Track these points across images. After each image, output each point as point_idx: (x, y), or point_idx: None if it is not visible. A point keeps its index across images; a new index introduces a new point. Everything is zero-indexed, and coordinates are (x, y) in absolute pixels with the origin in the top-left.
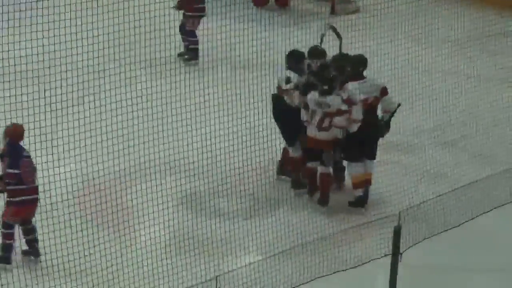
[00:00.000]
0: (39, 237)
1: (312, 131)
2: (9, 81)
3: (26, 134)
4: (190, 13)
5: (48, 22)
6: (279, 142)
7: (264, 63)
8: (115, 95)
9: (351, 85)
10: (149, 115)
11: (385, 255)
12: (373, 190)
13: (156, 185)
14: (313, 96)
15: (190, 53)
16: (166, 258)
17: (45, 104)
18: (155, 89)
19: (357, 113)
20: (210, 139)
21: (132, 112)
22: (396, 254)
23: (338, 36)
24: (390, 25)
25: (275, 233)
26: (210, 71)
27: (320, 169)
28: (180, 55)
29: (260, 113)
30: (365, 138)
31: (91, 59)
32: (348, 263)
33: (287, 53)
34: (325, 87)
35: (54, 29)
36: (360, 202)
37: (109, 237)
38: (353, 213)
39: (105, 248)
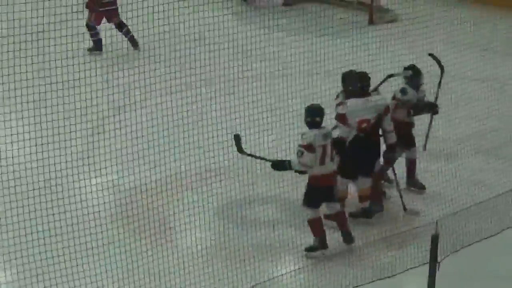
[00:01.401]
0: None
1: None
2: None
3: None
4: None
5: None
6: None
7: (319, 73)
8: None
9: (350, 102)
10: (185, 125)
11: (423, 264)
12: (410, 198)
13: (191, 194)
14: None
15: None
16: (208, 266)
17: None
18: (190, 99)
19: (343, 133)
20: (253, 147)
21: (168, 121)
22: (433, 262)
23: (440, 65)
24: (428, 33)
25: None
26: (258, 83)
27: (334, 207)
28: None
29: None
30: (360, 157)
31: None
32: (386, 272)
33: (406, 66)
34: None
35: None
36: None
37: (148, 247)
38: (388, 222)
39: (142, 258)
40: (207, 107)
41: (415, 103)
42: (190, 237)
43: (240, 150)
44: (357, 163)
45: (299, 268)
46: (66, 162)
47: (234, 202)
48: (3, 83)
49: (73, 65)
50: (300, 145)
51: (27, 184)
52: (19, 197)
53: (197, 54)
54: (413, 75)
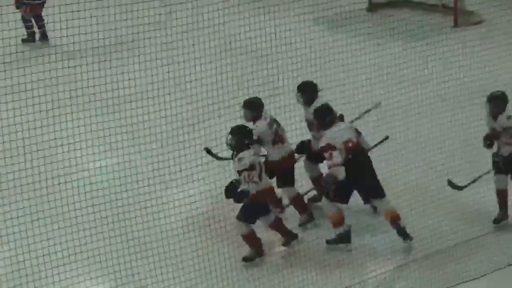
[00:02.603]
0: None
1: None
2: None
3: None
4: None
5: None
6: None
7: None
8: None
9: (327, 133)
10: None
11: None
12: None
13: None
14: None
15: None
16: (296, 271)
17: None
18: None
19: (336, 159)
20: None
21: None
22: None
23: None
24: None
25: (399, 245)
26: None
27: (269, 219)
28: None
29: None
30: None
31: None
32: (472, 274)
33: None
34: None
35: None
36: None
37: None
38: (471, 224)
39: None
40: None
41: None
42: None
43: (218, 158)
44: (358, 186)
45: (385, 272)
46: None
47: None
48: None
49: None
50: (240, 170)
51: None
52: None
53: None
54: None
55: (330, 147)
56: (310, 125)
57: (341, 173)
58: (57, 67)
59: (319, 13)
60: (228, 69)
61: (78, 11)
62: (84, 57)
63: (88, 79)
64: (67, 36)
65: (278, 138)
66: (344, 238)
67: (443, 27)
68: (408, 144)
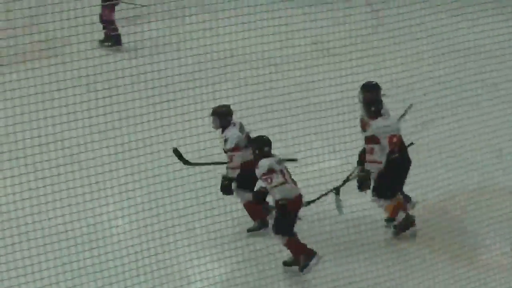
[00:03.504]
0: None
1: None
2: None
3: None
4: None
5: None
6: None
7: None
8: None
9: (374, 123)
10: None
11: None
12: None
13: None
14: None
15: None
16: None
17: None
18: None
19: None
20: None
21: None
22: None
23: None
24: None
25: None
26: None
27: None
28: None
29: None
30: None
31: None
32: None
33: None
34: None
35: None
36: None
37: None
38: None
39: None
40: None
41: None
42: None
43: (185, 162)
44: (399, 181)
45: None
46: None
47: None
48: None
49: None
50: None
51: None
52: None
53: None
54: None
55: (374, 139)
56: None
57: (375, 172)
58: None
59: None
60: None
61: None
62: None
63: None
64: None
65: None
66: (406, 225)
67: None
68: None
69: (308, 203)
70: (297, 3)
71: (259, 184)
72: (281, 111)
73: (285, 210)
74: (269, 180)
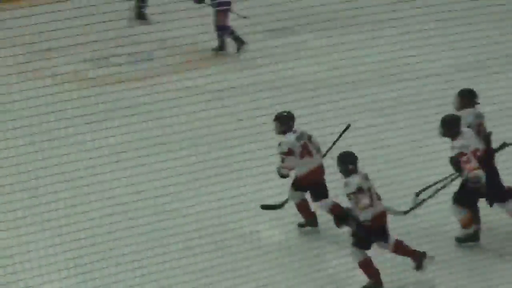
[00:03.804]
0: None
1: None
2: None
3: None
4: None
5: None
6: None
7: None
8: None
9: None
10: None
11: None
12: None
13: None
14: None
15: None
16: None
17: None
18: None
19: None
20: None
21: None
22: None
23: None
24: None
25: None
26: None
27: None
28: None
29: None
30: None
31: None
32: None
33: None
34: None
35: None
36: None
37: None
38: None
39: None
40: None
41: None
42: None
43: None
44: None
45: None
46: None
47: None
48: None
49: None
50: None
51: None
52: None
53: None
54: None
55: (463, 155)
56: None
57: (482, 174)
58: None
59: None
60: None
61: None
62: None
63: None
64: None
65: (306, 151)
66: (471, 238)
67: None
68: None
69: (405, 212)
70: None
71: (343, 203)
72: None
73: (368, 229)
74: (356, 200)
